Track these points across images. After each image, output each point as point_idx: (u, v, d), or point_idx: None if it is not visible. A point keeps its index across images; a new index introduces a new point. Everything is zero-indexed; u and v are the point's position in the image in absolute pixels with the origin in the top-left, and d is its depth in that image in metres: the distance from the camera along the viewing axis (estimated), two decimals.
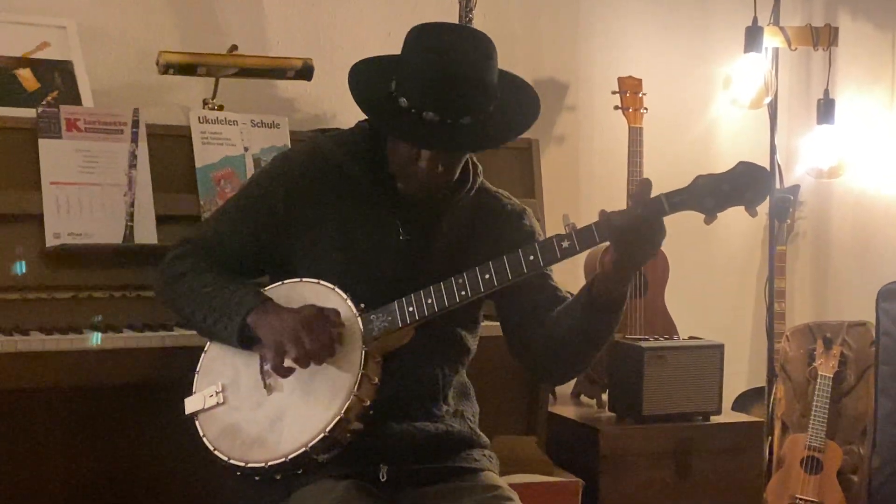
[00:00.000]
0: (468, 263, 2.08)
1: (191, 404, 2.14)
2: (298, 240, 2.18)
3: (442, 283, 2.04)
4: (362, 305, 2.07)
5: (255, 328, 2.06)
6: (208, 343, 2.19)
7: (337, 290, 2.09)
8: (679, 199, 1.93)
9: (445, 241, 2.21)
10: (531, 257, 2.00)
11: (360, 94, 2.11)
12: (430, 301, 2.04)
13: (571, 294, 2.19)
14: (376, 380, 2.03)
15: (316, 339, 1.99)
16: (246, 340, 2.08)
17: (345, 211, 2.17)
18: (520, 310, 2.21)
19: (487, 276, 2.02)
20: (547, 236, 2.28)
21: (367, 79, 2.14)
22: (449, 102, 2.04)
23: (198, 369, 2.18)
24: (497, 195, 2.32)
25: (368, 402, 2.01)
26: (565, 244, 1.99)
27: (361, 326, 2.05)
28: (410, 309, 2.05)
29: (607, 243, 1.99)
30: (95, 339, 2.50)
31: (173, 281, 2.19)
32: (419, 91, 2.05)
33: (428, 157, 2.08)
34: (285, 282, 2.16)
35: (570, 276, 3.27)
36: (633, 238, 1.94)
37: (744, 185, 1.92)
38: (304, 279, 2.13)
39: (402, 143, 2.10)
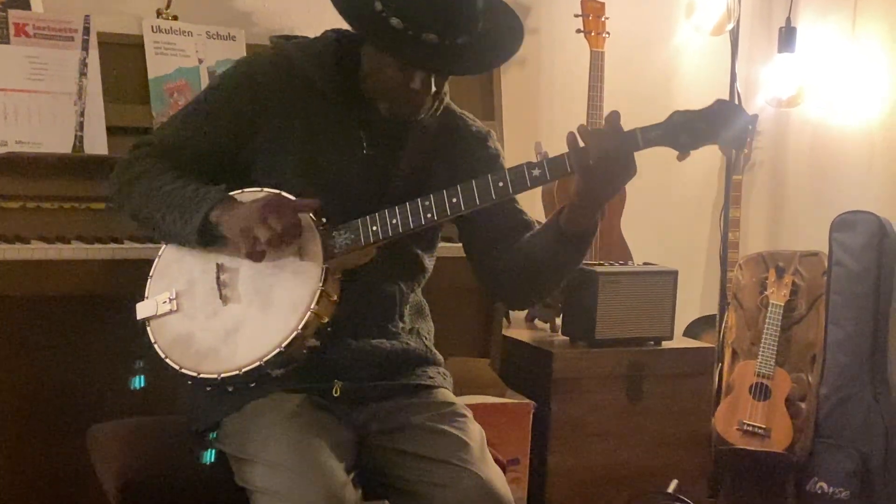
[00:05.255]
0: (430, 182, 2.04)
1: (142, 310, 2.08)
2: (261, 148, 2.12)
3: (408, 204, 2.00)
4: (324, 220, 2.03)
5: (219, 224, 1.99)
6: (163, 246, 2.13)
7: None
8: (654, 135, 1.90)
9: (409, 158, 2.17)
10: (500, 184, 1.96)
11: (351, 16, 2.02)
12: (394, 222, 2.00)
13: (540, 222, 2.17)
14: (335, 297, 2.00)
15: (283, 218, 1.94)
16: (206, 237, 2.02)
17: (309, 121, 2.12)
18: (485, 235, 2.19)
19: (455, 200, 1.98)
20: (505, 159, 2.27)
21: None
22: (448, 23, 1.98)
23: (151, 273, 2.11)
24: (462, 116, 2.28)
25: (326, 319, 1.98)
26: (536, 172, 1.95)
27: (323, 242, 2.01)
28: (374, 228, 2.01)
29: None
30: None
31: (129, 182, 2.11)
32: (415, 11, 1.97)
33: (422, 78, 2.03)
34: (245, 190, 2.08)
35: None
36: (601, 171, 1.91)
37: (720, 124, 1.89)
38: (265, 189, 2.07)
39: (392, 68, 2.03)
